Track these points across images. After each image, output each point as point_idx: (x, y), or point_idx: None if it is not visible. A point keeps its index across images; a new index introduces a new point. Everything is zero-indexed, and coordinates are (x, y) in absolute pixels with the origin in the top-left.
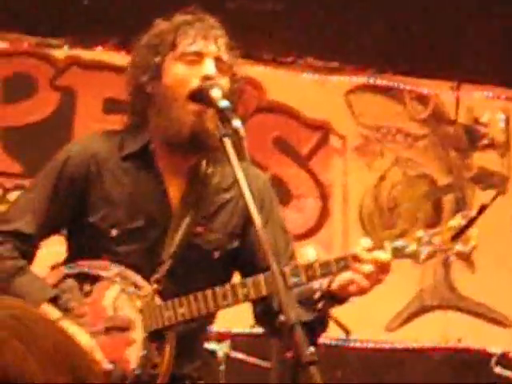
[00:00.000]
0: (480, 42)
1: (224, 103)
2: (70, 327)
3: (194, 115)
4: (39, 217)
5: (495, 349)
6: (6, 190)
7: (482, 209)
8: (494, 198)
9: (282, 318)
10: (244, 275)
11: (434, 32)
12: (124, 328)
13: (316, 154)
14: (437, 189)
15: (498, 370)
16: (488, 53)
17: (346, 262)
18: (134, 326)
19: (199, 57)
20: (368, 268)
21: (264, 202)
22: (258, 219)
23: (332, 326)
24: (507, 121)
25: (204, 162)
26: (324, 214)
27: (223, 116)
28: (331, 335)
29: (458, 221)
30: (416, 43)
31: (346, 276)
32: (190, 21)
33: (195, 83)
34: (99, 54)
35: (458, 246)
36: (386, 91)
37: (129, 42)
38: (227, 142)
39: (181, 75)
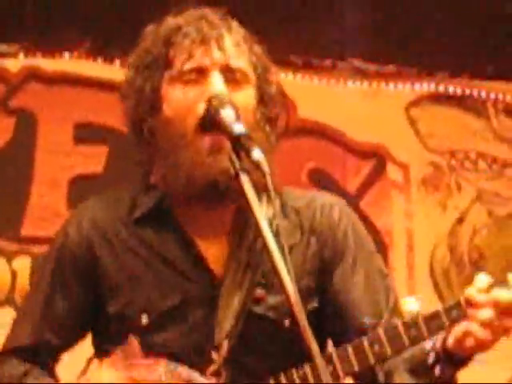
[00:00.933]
0: None
1: (238, 127)
2: None
3: (209, 152)
4: (50, 322)
5: None
6: None
7: None
8: None
9: None
10: (334, 343)
11: None
12: None
13: (368, 190)
14: None
15: None
16: None
17: (458, 311)
18: None
19: (202, 72)
20: (486, 314)
21: (345, 241)
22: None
23: None
24: None
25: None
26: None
27: (238, 145)
28: None
29: None
30: (501, 37)
31: (461, 328)
32: (183, 26)
33: (202, 109)
34: (66, 63)
35: None
36: (461, 102)
37: (106, 47)
38: (244, 180)
39: (183, 101)
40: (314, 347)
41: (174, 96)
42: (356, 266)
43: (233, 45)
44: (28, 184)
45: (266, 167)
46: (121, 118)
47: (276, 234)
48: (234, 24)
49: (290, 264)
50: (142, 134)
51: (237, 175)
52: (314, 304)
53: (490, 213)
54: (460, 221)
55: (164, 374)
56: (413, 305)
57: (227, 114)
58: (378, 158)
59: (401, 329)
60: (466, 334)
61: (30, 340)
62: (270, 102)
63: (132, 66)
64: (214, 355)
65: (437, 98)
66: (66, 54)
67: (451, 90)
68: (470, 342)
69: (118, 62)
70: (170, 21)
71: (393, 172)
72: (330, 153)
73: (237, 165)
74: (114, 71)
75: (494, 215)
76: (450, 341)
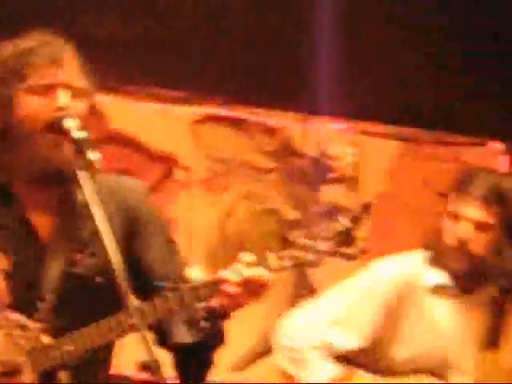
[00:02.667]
0: (329, 72)
1: (78, 134)
2: None
3: (49, 148)
4: None
5: None
6: None
7: (367, 207)
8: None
9: (143, 360)
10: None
11: (284, 62)
12: (11, 373)
13: (159, 187)
14: (285, 224)
15: None
16: (338, 84)
17: (216, 284)
18: (22, 370)
19: (50, 88)
20: (233, 289)
21: (141, 213)
22: (111, 240)
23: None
24: (356, 154)
25: (74, 190)
26: None
27: (79, 148)
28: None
29: (342, 223)
30: (265, 73)
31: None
32: (35, 47)
33: (49, 116)
34: None
35: (346, 249)
36: (234, 123)
37: None
38: (82, 176)
39: (33, 109)
40: (127, 299)
41: (26, 103)
42: (152, 236)
43: (75, 68)
44: None
45: (100, 166)
46: None
47: (99, 209)
48: (73, 49)
49: (110, 232)
50: None
51: (75, 171)
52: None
53: (251, 208)
54: (228, 214)
55: None
56: (195, 273)
57: (70, 123)
58: (168, 162)
59: (185, 292)
60: (225, 297)
61: None
62: (95, 110)
63: None
64: (40, 305)
65: (216, 119)
66: None
67: (227, 113)
68: (227, 303)
69: None
70: (24, 42)
71: (179, 174)
72: (133, 158)
73: (77, 163)
74: None
75: (254, 210)
76: (214, 303)
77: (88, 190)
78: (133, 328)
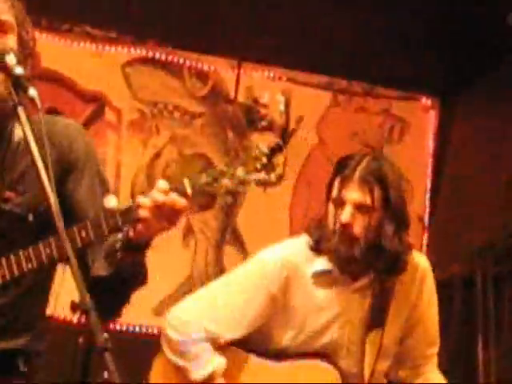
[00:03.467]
0: (265, 21)
1: (18, 70)
2: None
3: None
4: None
5: None
6: None
7: (287, 135)
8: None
9: (75, 300)
10: None
11: (218, 5)
12: None
13: (89, 127)
14: (212, 168)
15: None
16: (272, 32)
17: (144, 203)
18: None
19: None
20: (144, 213)
21: (75, 154)
22: (47, 180)
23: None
24: (287, 103)
25: (9, 127)
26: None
27: (18, 84)
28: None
29: (261, 150)
30: (198, 16)
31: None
32: None
33: None
34: None
35: (263, 175)
36: (165, 66)
37: None
38: (21, 111)
39: None
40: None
41: None
42: (84, 174)
43: (4, 3)
44: None
45: (39, 102)
46: None
47: (34, 146)
48: None
49: (44, 170)
50: None
51: (15, 106)
52: None
53: (180, 152)
54: (157, 156)
55: None
56: (111, 202)
57: (10, 59)
58: (99, 102)
59: (102, 219)
60: (140, 223)
61: None
62: (27, 46)
63: None
64: None
65: (146, 61)
66: None
67: (158, 55)
68: (141, 228)
69: None
70: None
71: (109, 114)
72: (63, 96)
73: (16, 99)
74: None
75: (182, 154)
76: (130, 232)
77: (26, 127)
78: (50, 259)
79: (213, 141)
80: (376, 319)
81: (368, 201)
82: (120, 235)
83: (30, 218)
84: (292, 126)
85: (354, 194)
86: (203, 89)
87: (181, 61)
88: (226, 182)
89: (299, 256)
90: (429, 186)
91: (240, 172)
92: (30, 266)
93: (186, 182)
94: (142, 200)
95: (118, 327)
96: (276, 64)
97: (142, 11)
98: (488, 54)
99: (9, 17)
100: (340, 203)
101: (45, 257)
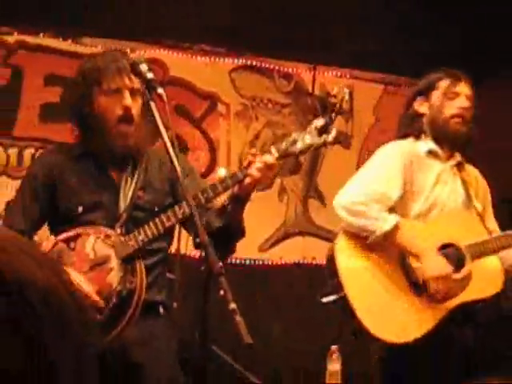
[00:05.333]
0: (331, 35)
1: (150, 75)
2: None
3: (122, 137)
4: (27, 215)
5: None
6: None
7: (338, 109)
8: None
9: (197, 239)
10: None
11: (295, 24)
12: (103, 262)
13: (206, 117)
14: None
15: (325, 300)
16: (338, 40)
17: (245, 168)
18: (110, 258)
19: (119, 91)
20: (258, 165)
21: (189, 168)
22: (180, 175)
23: None
24: (350, 94)
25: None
26: (212, 163)
27: (149, 85)
28: None
29: (321, 121)
30: (283, 32)
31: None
32: (108, 63)
33: (119, 112)
34: (41, 39)
35: (326, 138)
36: (260, 70)
37: (63, 31)
38: (153, 105)
39: (107, 105)
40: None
41: (101, 101)
42: (193, 175)
43: (132, 76)
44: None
45: (165, 98)
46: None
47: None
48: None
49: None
50: (82, 121)
51: (148, 102)
52: (170, 199)
53: (274, 133)
54: (256, 136)
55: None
56: (222, 171)
57: (144, 68)
58: (212, 99)
59: (217, 183)
60: (247, 175)
61: (19, 226)
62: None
63: (73, 78)
64: (118, 221)
65: (246, 68)
66: (41, 34)
67: (254, 63)
68: (248, 181)
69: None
70: (100, 58)
71: (221, 108)
72: (186, 96)
73: (148, 96)
74: (69, 45)
75: (275, 134)
76: (236, 188)
77: (158, 118)
78: (184, 216)
79: (297, 124)
80: (466, 191)
81: (472, 94)
82: (226, 196)
83: (156, 209)
84: (355, 110)
85: (465, 88)
86: (288, 86)
87: (271, 66)
88: (299, 144)
89: (409, 145)
90: None
91: (307, 138)
92: (169, 222)
93: (273, 148)
94: (257, 163)
95: (230, 260)
96: (342, 66)
97: (241, 31)
98: (503, 52)
99: (137, 85)
100: (453, 96)
101: (180, 215)
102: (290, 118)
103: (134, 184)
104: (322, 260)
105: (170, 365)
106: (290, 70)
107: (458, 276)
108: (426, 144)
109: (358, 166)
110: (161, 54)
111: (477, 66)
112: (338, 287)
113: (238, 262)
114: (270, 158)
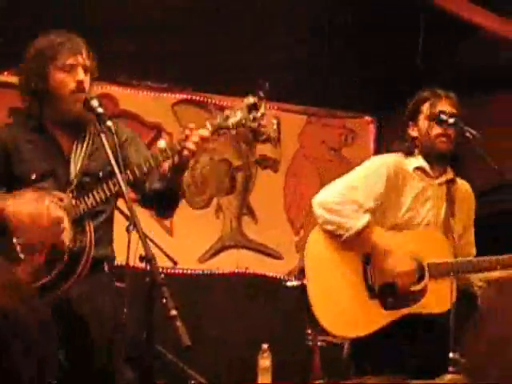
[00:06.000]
0: (258, 71)
1: (100, 110)
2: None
3: (77, 104)
4: None
5: (272, 274)
6: None
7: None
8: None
9: (142, 254)
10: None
11: (233, 61)
12: (56, 223)
13: (152, 145)
14: (232, 168)
15: (289, 283)
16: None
17: (183, 141)
18: (63, 220)
19: (73, 67)
20: (194, 139)
21: (132, 137)
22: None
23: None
24: (278, 124)
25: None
26: None
27: (100, 118)
28: (163, 265)
29: (251, 99)
30: (218, 71)
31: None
32: (63, 41)
33: (72, 86)
34: (5, 77)
35: (255, 114)
36: (199, 103)
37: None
38: (103, 136)
39: (62, 80)
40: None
41: (57, 76)
42: (137, 145)
43: (87, 56)
44: None
45: (114, 130)
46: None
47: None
48: (86, 45)
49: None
50: (37, 94)
51: (99, 133)
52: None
53: (211, 157)
54: (196, 161)
55: (47, 196)
56: (162, 143)
57: (95, 103)
58: (157, 129)
59: (158, 154)
60: (184, 147)
61: None
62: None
63: (29, 57)
64: (69, 186)
65: (187, 101)
66: (5, 72)
67: (194, 97)
68: (186, 153)
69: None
70: (54, 36)
71: (164, 136)
72: (134, 126)
73: (99, 128)
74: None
75: (213, 159)
76: (176, 158)
77: (107, 147)
78: (129, 181)
79: (231, 150)
80: (450, 209)
81: (455, 112)
82: (167, 164)
83: (100, 174)
84: (282, 138)
85: (446, 106)
86: None
87: (208, 100)
88: (231, 120)
89: (397, 159)
90: None
91: (238, 113)
92: (115, 188)
93: (207, 123)
94: (193, 137)
95: (172, 270)
96: (270, 99)
97: (181, 70)
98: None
99: (90, 64)
100: (433, 117)
101: (124, 180)
102: (225, 145)
103: (83, 153)
104: (254, 269)
105: (112, 317)
106: (225, 103)
107: (414, 288)
108: (417, 161)
109: (285, 186)
110: (112, 89)
111: (386, 98)
112: (303, 273)
113: (180, 271)
114: (204, 132)
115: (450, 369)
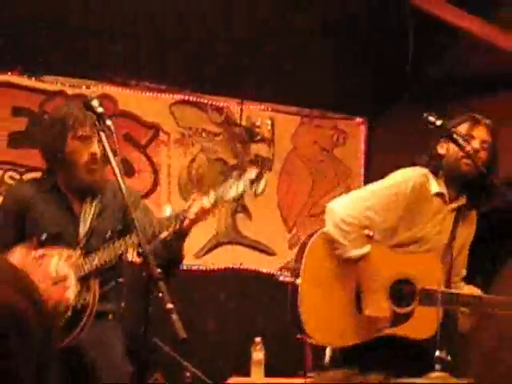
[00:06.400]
0: (258, 73)
1: (100, 110)
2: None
3: (90, 175)
4: (1, 240)
5: (265, 269)
6: None
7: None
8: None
9: (140, 250)
10: None
11: (229, 62)
12: (63, 279)
13: (150, 144)
14: (228, 167)
15: (281, 278)
16: (262, 79)
17: (186, 212)
18: (69, 277)
19: (88, 138)
20: (195, 210)
21: (139, 199)
22: (132, 208)
23: None
24: (272, 125)
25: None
26: (155, 184)
27: (100, 118)
28: None
29: (253, 174)
30: (216, 72)
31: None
32: (81, 112)
33: (86, 157)
34: (9, 77)
35: (256, 188)
36: (195, 104)
37: (27, 71)
38: (102, 135)
39: (77, 149)
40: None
41: (73, 145)
42: (144, 209)
43: (93, 123)
44: None
45: (113, 129)
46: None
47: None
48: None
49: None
50: (54, 159)
51: (98, 131)
52: (120, 226)
53: (208, 158)
54: (192, 161)
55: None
56: (167, 211)
57: (95, 103)
58: (155, 129)
59: (160, 223)
60: (186, 218)
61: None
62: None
63: (48, 124)
64: (78, 245)
65: (184, 102)
66: (9, 73)
67: (191, 98)
68: (186, 223)
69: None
70: (68, 108)
71: (162, 135)
72: (133, 126)
73: (99, 127)
74: (32, 82)
75: (209, 158)
76: (177, 225)
77: (107, 146)
78: (131, 245)
79: (227, 150)
80: (453, 234)
81: (490, 140)
82: (166, 233)
83: (109, 233)
84: (276, 138)
85: (482, 132)
86: (220, 118)
87: (205, 101)
88: (233, 192)
89: (422, 179)
90: (362, 171)
91: (240, 186)
92: (119, 252)
93: (211, 193)
94: (192, 209)
95: None
96: (264, 101)
97: (181, 71)
98: (396, 90)
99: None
100: (468, 139)
101: (129, 244)
102: (221, 145)
103: (91, 213)
104: (247, 265)
105: (118, 357)
106: (221, 104)
107: (400, 311)
108: (438, 186)
109: (279, 185)
110: (111, 90)
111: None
112: (297, 273)
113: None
114: (206, 204)
115: (437, 367)
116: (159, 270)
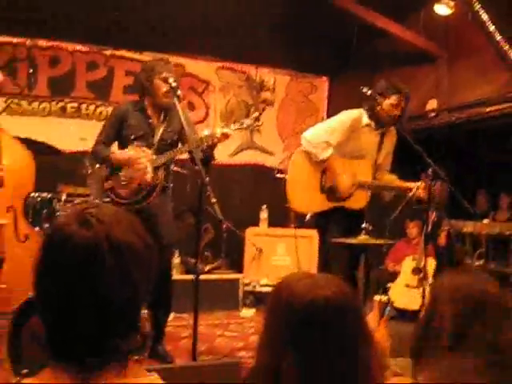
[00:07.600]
0: (268, 41)
1: (174, 84)
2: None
3: (165, 100)
4: (107, 136)
5: (268, 164)
6: None
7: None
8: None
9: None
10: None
11: (242, 42)
12: (144, 168)
13: (204, 91)
14: (248, 106)
15: (278, 175)
16: (271, 45)
17: (215, 133)
18: (148, 167)
19: (166, 79)
20: (221, 133)
21: (189, 121)
22: (186, 125)
23: None
24: (274, 81)
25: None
26: (206, 115)
27: (174, 89)
28: None
29: (255, 114)
30: (238, 46)
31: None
32: (162, 65)
33: (164, 90)
34: (122, 52)
35: (257, 123)
36: (230, 68)
37: (135, 47)
38: (176, 100)
39: (160, 85)
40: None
41: (158, 83)
42: (190, 126)
43: (175, 74)
44: None
45: (182, 97)
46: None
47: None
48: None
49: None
50: (145, 90)
51: (173, 98)
52: (176, 136)
53: (237, 100)
54: (228, 102)
55: (141, 151)
56: (206, 132)
57: (171, 80)
58: (207, 83)
59: (201, 138)
60: (215, 137)
61: (104, 140)
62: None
63: (145, 67)
64: (153, 146)
65: (224, 67)
66: (123, 50)
67: (229, 65)
68: (215, 141)
69: (138, 53)
70: (160, 60)
71: (211, 87)
72: (194, 81)
73: (173, 95)
74: (138, 55)
75: (238, 100)
76: (210, 141)
77: (179, 108)
78: (187, 150)
79: (248, 95)
80: (379, 146)
81: (402, 98)
82: (205, 144)
83: (173, 140)
84: (276, 88)
85: (398, 96)
86: (243, 76)
87: (236, 66)
88: (245, 124)
89: (358, 115)
90: (325, 110)
91: (247, 121)
92: (183, 149)
93: (232, 125)
94: (224, 130)
95: (214, 165)
96: (270, 67)
97: (223, 48)
98: (348, 58)
99: (175, 78)
100: (387, 95)
101: (191, 144)
102: (245, 93)
103: (163, 127)
104: (258, 161)
105: (171, 217)
106: (245, 69)
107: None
108: (368, 120)
109: (277, 116)
110: (180, 60)
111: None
112: (286, 172)
113: (218, 163)
114: (228, 131)
115: (363, 232)
116: (208, 178)
